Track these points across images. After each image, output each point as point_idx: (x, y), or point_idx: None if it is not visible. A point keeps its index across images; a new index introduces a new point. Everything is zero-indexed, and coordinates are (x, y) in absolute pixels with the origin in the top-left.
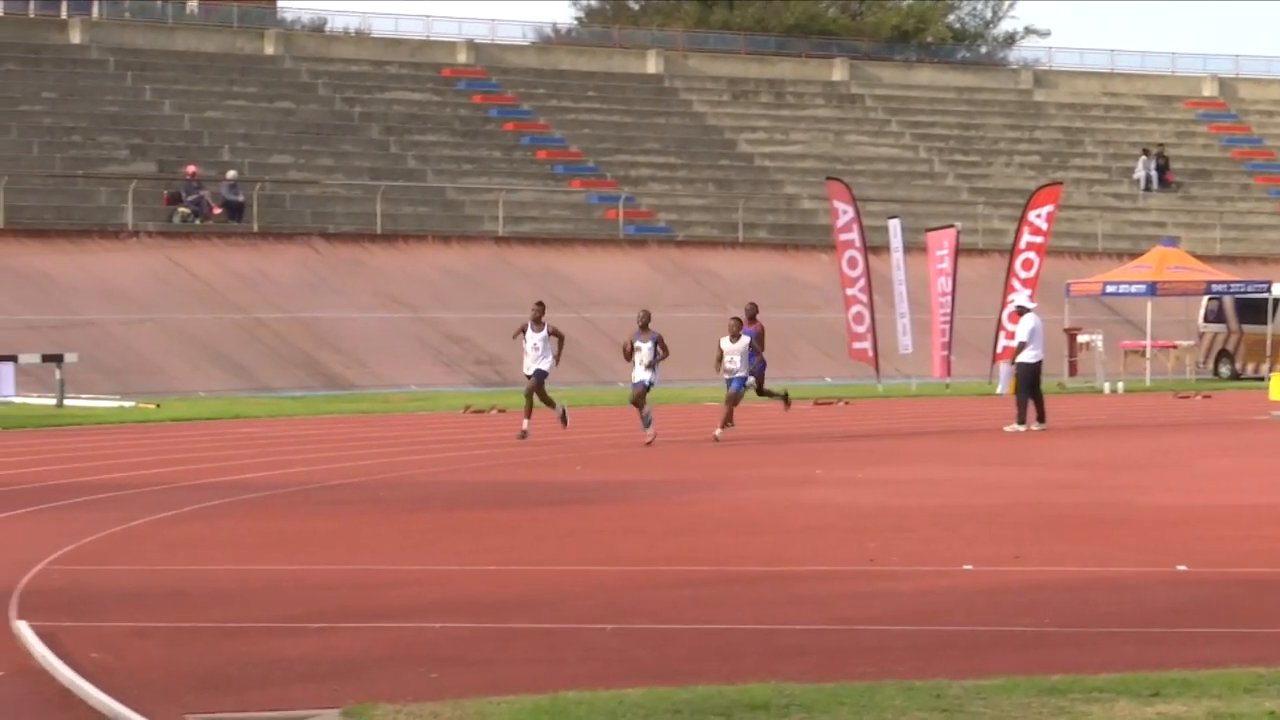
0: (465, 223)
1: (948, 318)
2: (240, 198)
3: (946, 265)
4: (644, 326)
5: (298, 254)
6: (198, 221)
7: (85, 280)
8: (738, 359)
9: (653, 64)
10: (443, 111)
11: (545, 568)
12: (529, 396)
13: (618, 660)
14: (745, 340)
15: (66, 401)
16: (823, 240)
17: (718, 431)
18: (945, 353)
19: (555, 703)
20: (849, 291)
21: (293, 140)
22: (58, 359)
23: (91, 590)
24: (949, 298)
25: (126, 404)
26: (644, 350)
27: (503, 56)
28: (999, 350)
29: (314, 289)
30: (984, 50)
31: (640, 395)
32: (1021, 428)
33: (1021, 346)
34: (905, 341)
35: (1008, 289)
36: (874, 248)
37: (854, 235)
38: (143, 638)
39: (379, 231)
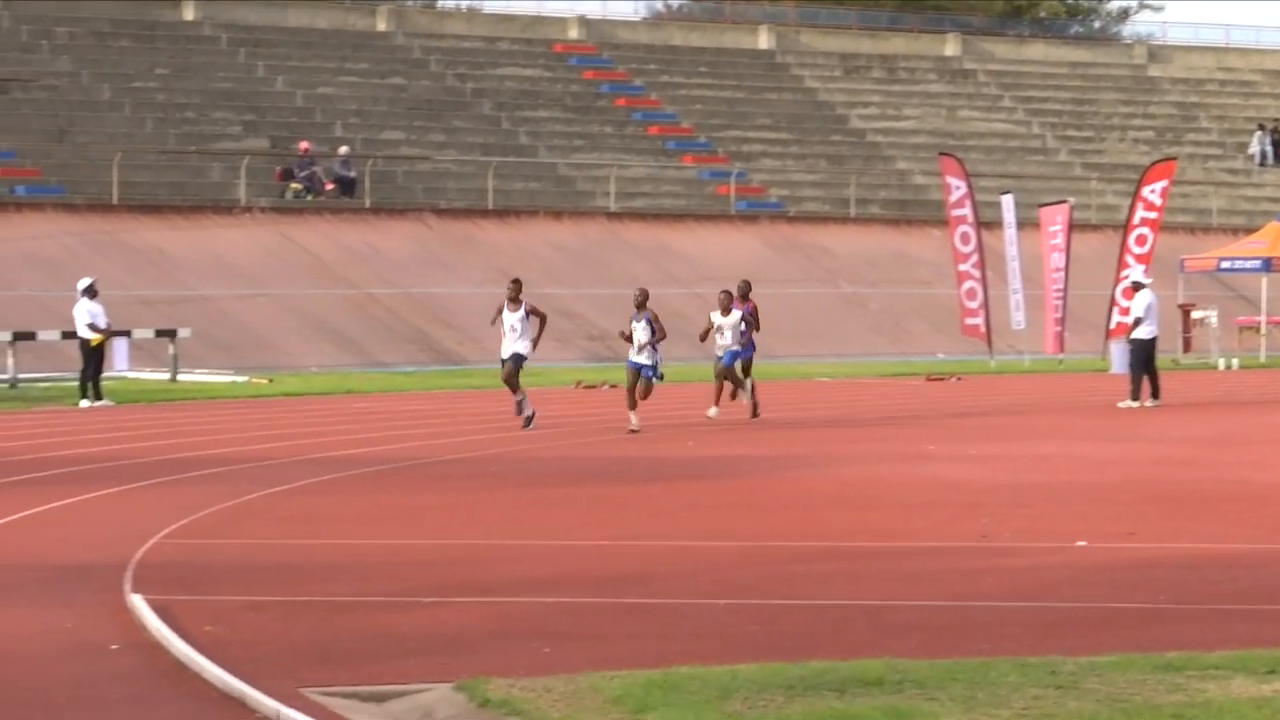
0: (577, 198)
1: (1061, 293)
2: (352, 173)
3: (1060, 241)
4: (640, 306)
5: (410, 229)
6: (310, 197)
7: (199, 256)
8: (728, 334)
9: (764, 39)
10: (554, 87)
11: (657, 543)
12: (509, 382)
13: (730, 636)
14: (737, 315)
15: (180, 376)
16: (935, 216)
17: (713, 410)
18: (1059, 328)
19: (668, 678)
20: (961, 267)
21: (404, 116)
22: (171, 334)
23: (205, 564)
24: (1062, 273)
25: (239, 379)
26: (639, 330)
27: (614, 32)
28: (1113, 326)
29: (426, 264)
30: (1097, 25)
31: (645, 386)
32: (1135, 404)
33: (1137, 322)
34: (1018, 317)
35: (1121, 265)
36: (986, 223)
37: (966, 210)
38: (256, 611)
39: (490, 207)
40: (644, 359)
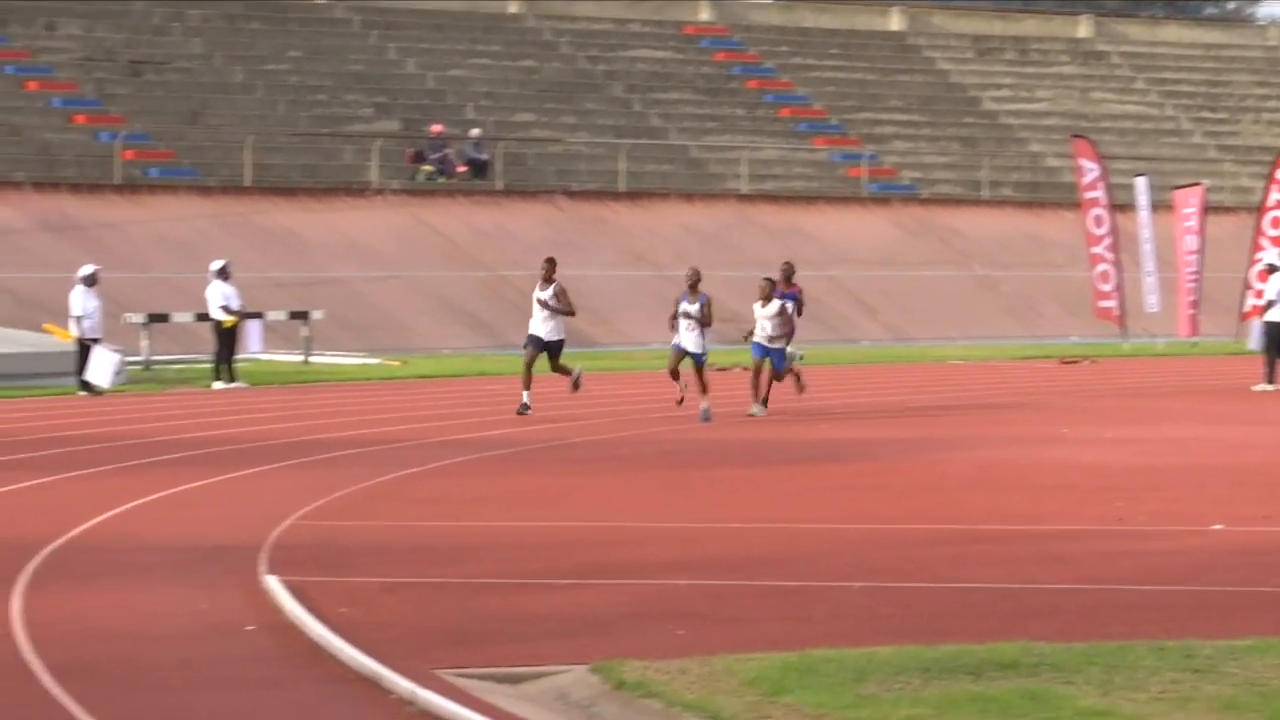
0: (708, 180)
1: (1195, 276)
2: (484, 156)
3: (1194, 223)
4: (693, 287)
5: (541, 212)
6: (442, 179)
7: (331, 238)
8: (768, 325)
9: (896, 21)
10: (685, 69)
11: (792, 525)
12: (528, 366)
13: (866, 618)
14: (776, 305)
15: (313, 358)
16: (1068, 198)
17: (756, 408)
18: (1192, 311)
19: (803, 660)
20: (1094, 250)
21: (536, 98)
22: (304, 316)
23: (340, 546)
24: (1196, 256)
25: (372, 361)
26: (693, 312)
27: (745, 14)
28: (1246, 309)
29: (557, 246)
30: (1230, 6)
31: (682, 364)
32: (1270, 387)
33: (1269, 305)
34: (1152, 300)
35: (1255, 247)
36: (1120, 205)
37: (1100, 193)
38: (391, 593)
39: (622, 189)
40: (691, 344)
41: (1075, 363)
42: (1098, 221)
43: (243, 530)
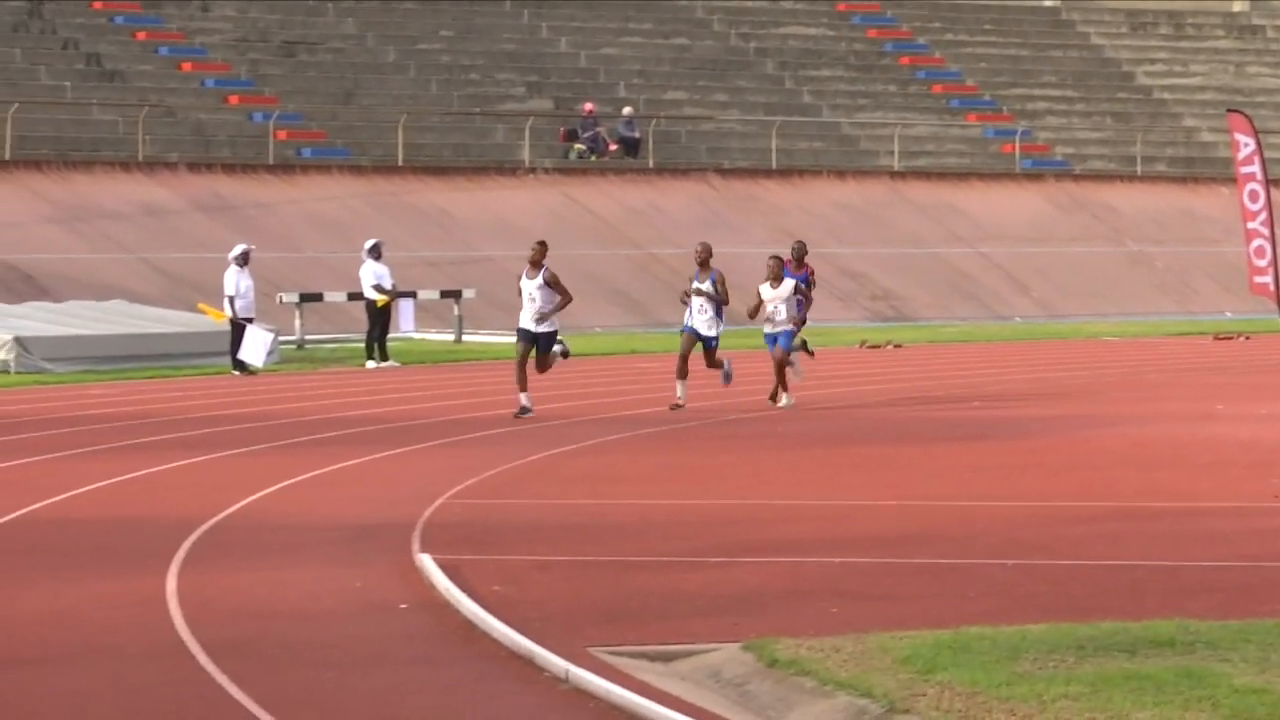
0: (860, 158)
1: None
2: (636, 134)
3: None
4: (704, 264)
5: (693, 190)
6: (594, 158)
7: (483, 217)
8: (782, 309)
9: None
10: (838, 46)
11: (944, 503)
12: (521, 365)
13: (1019, 596)
14: (790, 285)
15: (465, 337)
16: (1223, 173)
17: (784, 399)
18: None
19: (957, 638)
20: (1250, 225)
21: (688, 76)
22: (456, 295)
23: (492, 524)
24: None
25: None
26: (706, 289)
27: None
28: None
29: (708, 224)
30: None
31: (701, 350)
32: None
33: None
34: None
35: None
36: (1276, 180)
37: (1255, 168)
38: (544, 571)
39: (774, 167)
40: (703, 326)
41: (1230, 338)
42: (1253, 196)
43: (395, 509)
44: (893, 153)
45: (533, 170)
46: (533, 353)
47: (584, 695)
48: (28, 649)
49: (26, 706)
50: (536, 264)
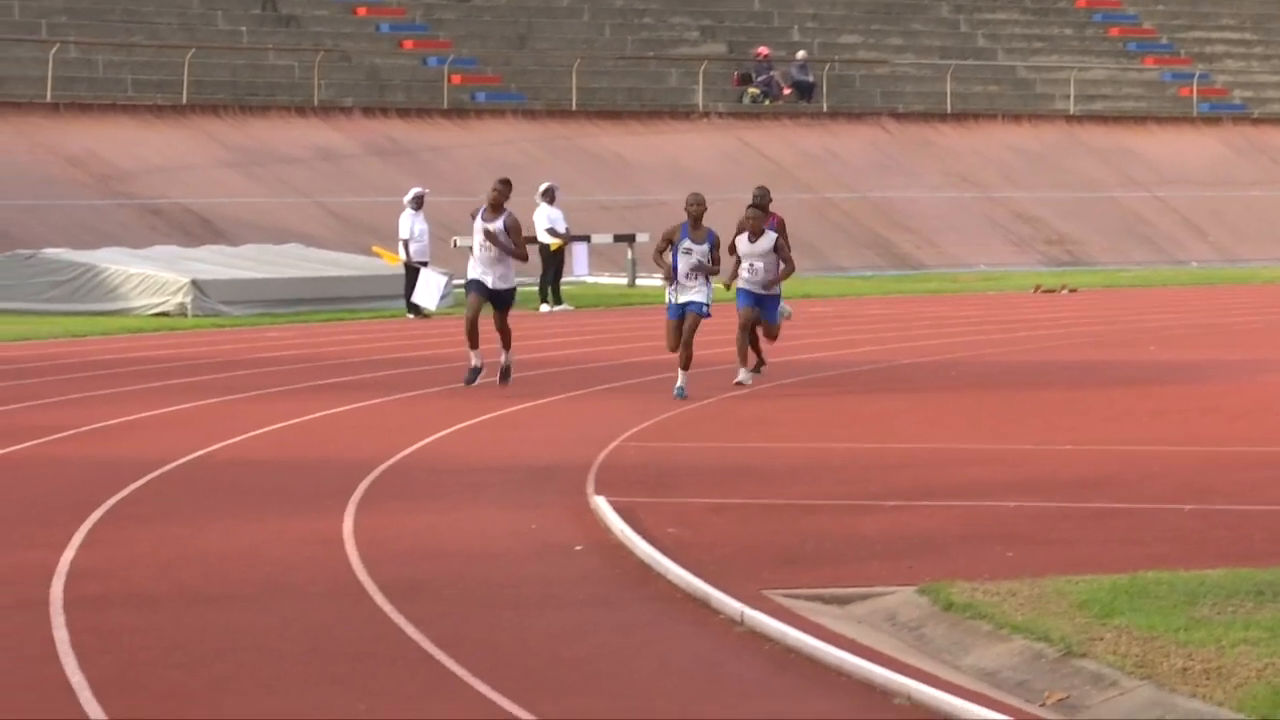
0: (1036, 101)
1: None
2: (810, 78)
3: None
4: (696, 221)
5: (867, 133)
6: (767, 102)
7: (656, 161)
8: (759, 266)
9: None
10: None
11: (1120, 447)
12: (471, 322)
13: (1196, 541)
14: (771, 239)
15: (638, 281)
16: None
17: (743, 374)
18: None
19: (1134, 583)
20: None
21: (862, 20)
22: (629, 239)
23: (666, 466)
24: None
25: None
26: (695, 254)
27: None
28: None
29: (883, 168)
30: None
31: (692, 324)
32: None
33: None
34: None
35: None
36: None
37: None
38: (718, 514)
39: (948, 111)
40: (694, 294)
41: None
42: None
43: (570, 451)
44: (1069, 96)
45: (706, 114)
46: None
47: (759, 638)
48: (209, 587)
49: (208, 643)
50: (497, 206)
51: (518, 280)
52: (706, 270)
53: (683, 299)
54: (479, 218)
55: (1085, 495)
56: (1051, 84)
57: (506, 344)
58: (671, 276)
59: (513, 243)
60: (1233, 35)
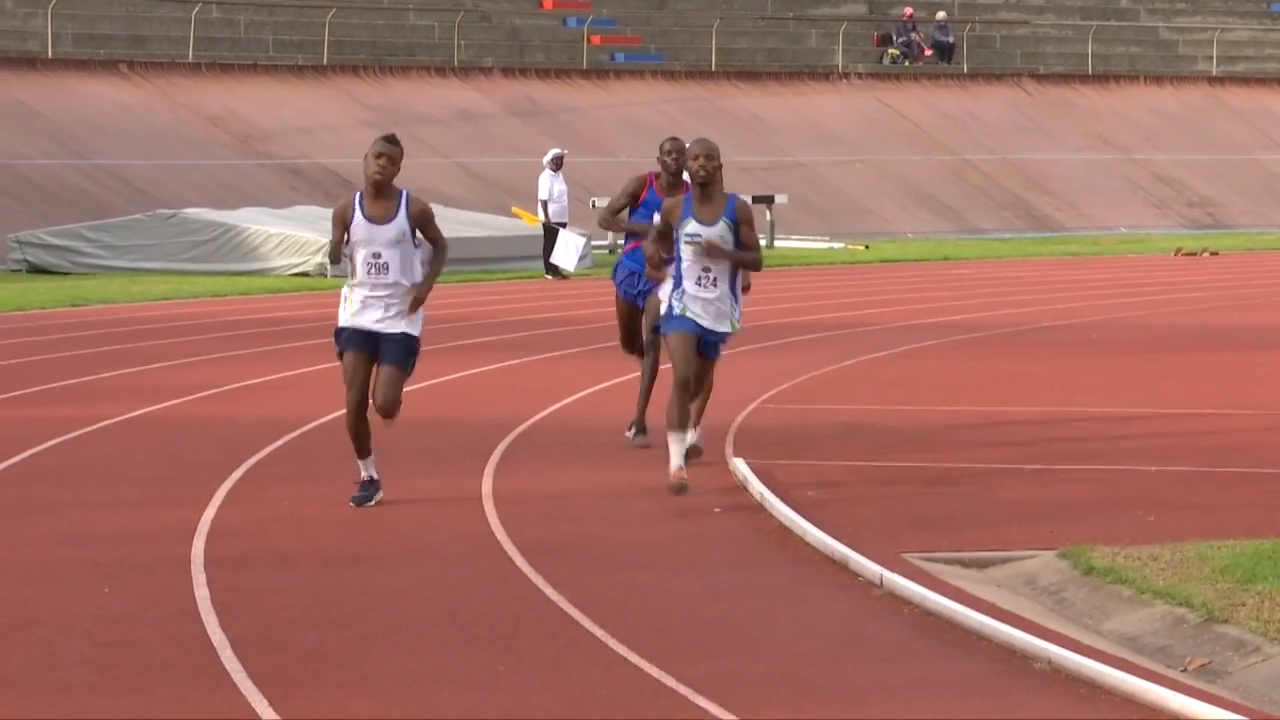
0: (1178, 63)
1: None
2: (950, 39)
3: None
4: (704, 183)
5: (1007, 95)
6: (907, 63)
7: (795, 122)
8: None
9: None
10: None
11: (1264, 411)
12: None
13: None
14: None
15: (777, 242)
16: None
17: (691, 436)
18: None
19: (1277, 548)
20: None
21: None
22: (769, 200)
23: (806, 428)
24: None
25: (835, 245)
26: (705, 236)
27: None
28: None
29: (1023, 130)
30: None
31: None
32: None
33: None
34: None
35: None
36: None
37: None
38: (857, 476)
39: (1090, 72)
40: (708, 315)
41: None
42: None
43: (709, 413)
44: (1211, 58)
45: (846, 75)
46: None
47: (898, 601)
48: (348, 547)
49: (350, 603)
50: (383, 187)
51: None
52: (732, 257)
53: (688, 314)
54: (357, 209)
55: (1227, 459)
56: (1194, 45)
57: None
58: (660, 267)
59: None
60: None
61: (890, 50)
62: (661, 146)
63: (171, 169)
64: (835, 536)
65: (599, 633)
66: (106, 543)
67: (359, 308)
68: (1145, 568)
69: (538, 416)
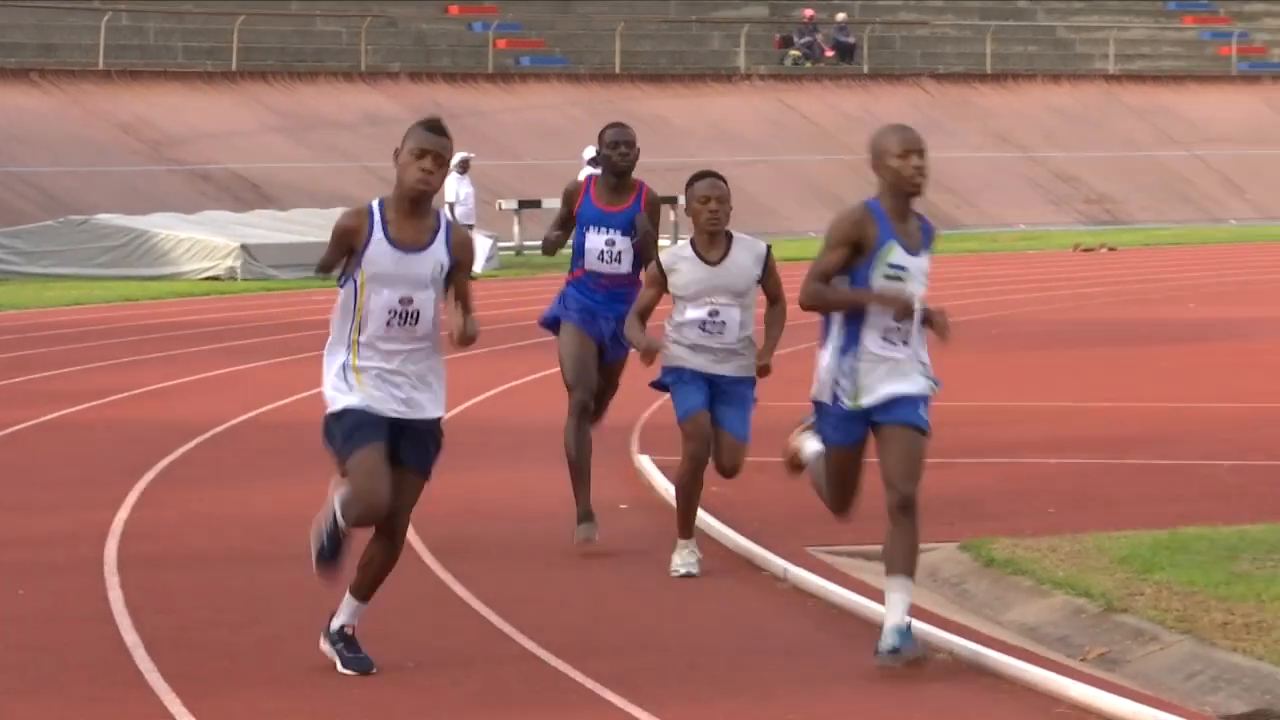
0: (1075, 61)
1: None
2: (851, 39)
3: None
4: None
5: (907, 94)
6: (809, 64)
7: (698, 123)
8: (737, 318)
9: None
10: None
11: (1160, 404)
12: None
13: (1236, 497)
14: (757, 250)
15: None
16: None
17: (683, 557)
18: None
19: (1174, 538)
20: None
21: None
22: (672, 201)
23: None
24: None
25: None
26: (912, 270)
27: None
28: None
29: (924, 129)
30: None
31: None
32: None
33: None
34: None
35: None
36: None
37: None
38: (763, 472)
39: (988, 71)
40: (896, 382)
41: None
42: None
43: (615, 411)
44: (1108, 56)
45: (748, 77)
46: None
47: (803, 595)
48: (260, 547)
49: (261, 602)
50: None
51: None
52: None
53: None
54: (378, 228)
55: (1126, 452)
56: (1091, 44)
57: None
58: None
59: None
60: None
61: (792, 52)
62: (601, 137)
63: (83, 175)
64: (740, 531)
65: (507, 629)
66: (20, 546)
67: (372, 381)
68: (1045, 559)
69: (446, 416)
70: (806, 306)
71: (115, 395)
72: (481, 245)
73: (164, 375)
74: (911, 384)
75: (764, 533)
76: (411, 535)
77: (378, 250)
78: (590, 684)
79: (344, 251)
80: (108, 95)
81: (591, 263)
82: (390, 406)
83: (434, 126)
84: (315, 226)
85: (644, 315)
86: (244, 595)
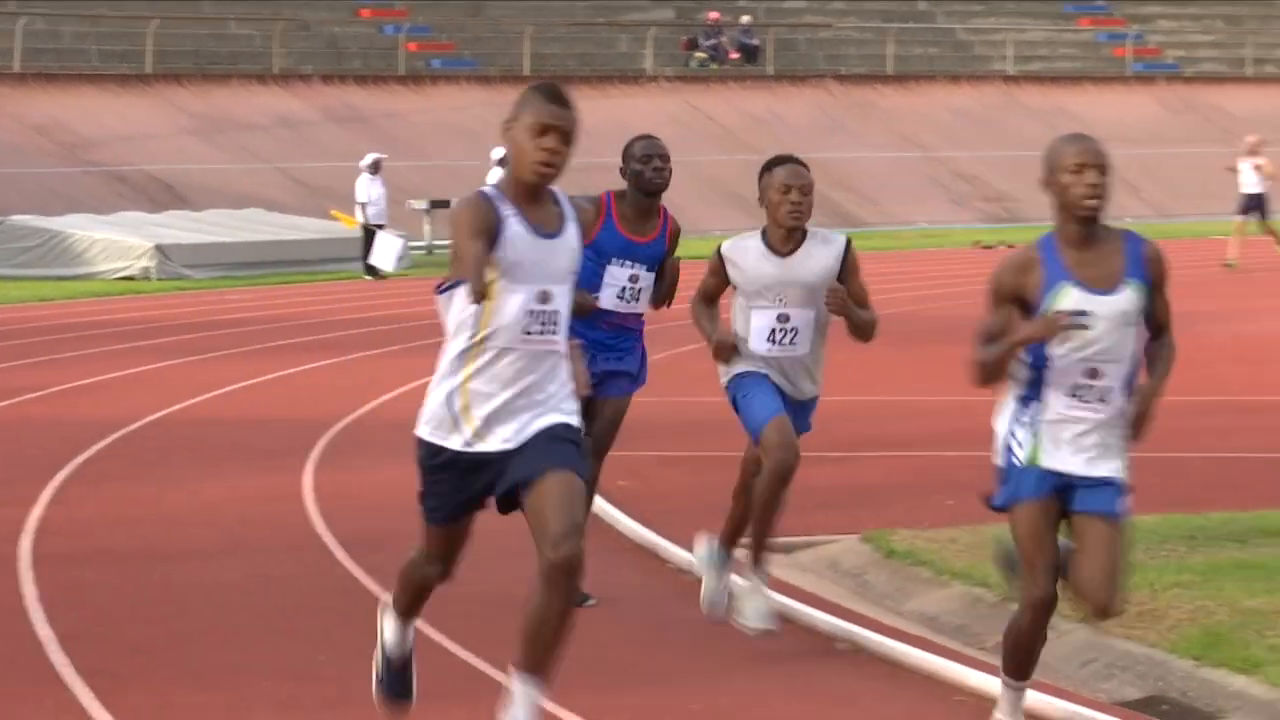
0: (975, 63)
1: None
2: (755, 42)
3: None
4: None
5: (811, 95)
6: (714, 66)
7: (606, 124)
8: (807, 332)
9: None
10: None
11: None
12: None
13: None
14: (835, 250)
15: None
16: None
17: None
18: None
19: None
20: None
21: None
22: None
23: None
24: None
25: None
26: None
27: None
28: None
29: (827, 130)
30: None
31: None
32: None
33: None
34: None
35: None
36: None
37: None
38: (668, 466)
39: (890, 73)
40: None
41: None
42: None
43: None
44: (1006, 58)
45: (655, 78)
46: None
47: None
48: (173, 544)
49: (175, 598)
50: None
51: None
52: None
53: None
54: (510, 213)
55: None
56: (990, 45)
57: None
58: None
59: None
60: None
61: (697, 54)
62: (629, 151)
63: None
64: (646, 524)
65: (417, 622)
66: None
67: (492, 411)
68: (944, 550)
69: (357, 413)
70: (979, 384)
71: (30, 394)
72: (392, 244)
73: (79, 374)
74: (1108, 465)
75: (670, 525)
76: (321, 530)
77: (516, 239)
78: (498, 675)
79: (489, 242)
80: (23, 97)
81: (607, 301)
82: (507, 433)
83: (554, 95)
84: (228, 227)
85: (709, 300)
86: (157, 591)
